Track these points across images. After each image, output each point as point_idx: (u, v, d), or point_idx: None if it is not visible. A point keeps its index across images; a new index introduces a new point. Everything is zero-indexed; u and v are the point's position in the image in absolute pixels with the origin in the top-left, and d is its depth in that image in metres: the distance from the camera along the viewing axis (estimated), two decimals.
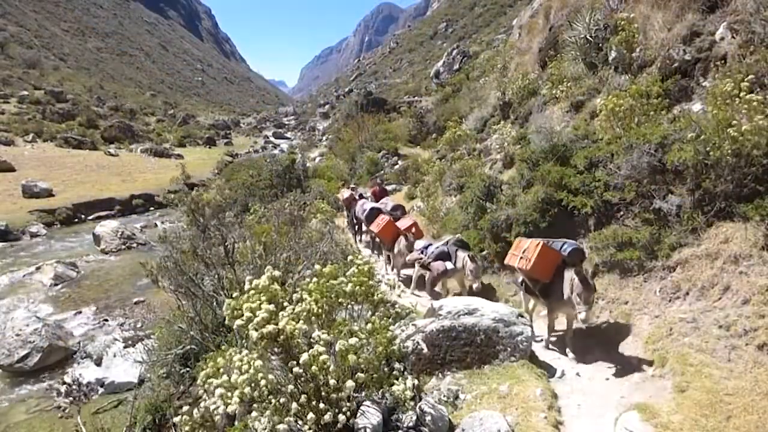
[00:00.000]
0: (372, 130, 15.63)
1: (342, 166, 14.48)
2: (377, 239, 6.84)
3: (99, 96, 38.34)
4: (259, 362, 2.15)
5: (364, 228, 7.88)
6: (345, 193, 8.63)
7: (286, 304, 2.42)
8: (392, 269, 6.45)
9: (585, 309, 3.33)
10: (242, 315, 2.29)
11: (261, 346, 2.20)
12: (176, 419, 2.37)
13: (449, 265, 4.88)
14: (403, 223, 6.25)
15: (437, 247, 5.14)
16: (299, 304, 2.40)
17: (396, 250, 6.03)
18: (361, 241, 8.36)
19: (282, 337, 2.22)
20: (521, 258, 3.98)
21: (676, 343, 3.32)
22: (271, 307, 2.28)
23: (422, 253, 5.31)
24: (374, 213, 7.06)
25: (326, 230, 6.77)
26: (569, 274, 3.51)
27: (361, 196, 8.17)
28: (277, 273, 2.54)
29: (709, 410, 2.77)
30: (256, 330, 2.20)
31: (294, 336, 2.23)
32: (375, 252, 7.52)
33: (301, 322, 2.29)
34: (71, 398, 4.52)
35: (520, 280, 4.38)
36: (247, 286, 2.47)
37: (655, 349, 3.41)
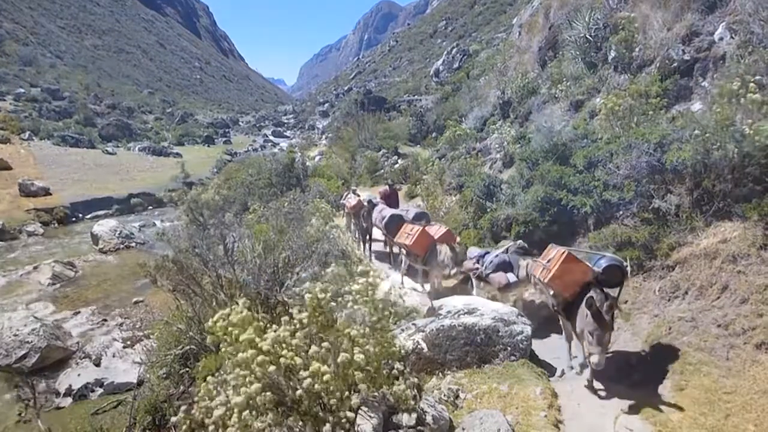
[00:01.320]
0: (372, 129, 15.62)
1: (342, 165, 14.45)
2: (405, 251, 5.79)
3: (96, 94, 38.07)
4: (257, 386, 2.08)
5: (379, 236, 7.00)
6: (352, 200, 7.55)
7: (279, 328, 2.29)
8: (401, 278, 5.74)
9: (597, 351, 2.80)
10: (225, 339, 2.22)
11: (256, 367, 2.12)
12: (173, 419, 2.34)
13: (512, 277, 4.24)
14: (433, 231, 5.43)
15: (496, 256, 4.46)
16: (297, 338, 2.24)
17: (438, 261, 5.11)
18: (371, 250, 7.26)
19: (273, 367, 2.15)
20: (544, 268, 3.51)
21: (675, 341, 3.34)
22: (264, 342, 2.17)
23: (477, 262, 4.61)
24: (395, 220, 6.19)
25: (326, 229, 6.66)
26: (584, 305, 2.94)
27: (371, 203, 7.15)
28: (246, 311, 2.37)
29: (707, 408, 2.79)
30: (260, 365, 2.11)
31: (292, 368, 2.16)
32: (389, 264, 6.74)
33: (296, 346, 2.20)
34: (25, 402, 4.46)
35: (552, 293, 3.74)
36: (220, 320, 2.31)
37: (655, 348, 3.43)
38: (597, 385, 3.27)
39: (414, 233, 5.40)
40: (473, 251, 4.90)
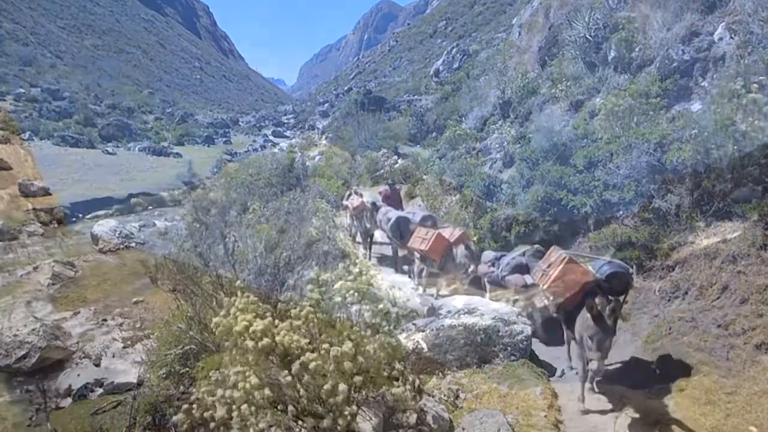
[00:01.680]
0: (372, 129, 15.63)
1: (342, 165, 14.45)
2: (420, 256, 5.46)
3: (96, 94, 38.11)
4: (255, 380, 2.09)
5: (382, 240, 6.88)
6: (355, 201, 7.24)
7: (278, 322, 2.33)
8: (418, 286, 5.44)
9: (597, 357, 2.65)
10: (233, 330, 2.25)
11: (256, 355, 2.15)
12: (173, 419, 2.35)
13: (528, 279, 4.18)
14: (448, 234, 5.11)
15: (513, 258, 4.42)
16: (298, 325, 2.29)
17: (456, 263, 4.83)
18: (371, 253, 7.00)
19: (278, 350, 2.19)
20: (543, 273, 3.39)
21: (676, 342, 3.34)
22: (264, 322, 2.22)
23: (493, 265, 4.54)
24: (401, 223, 5.97)
25: (327, 229, 6.62)
26: (584, 309, 2.82)
27: (375, 205, 6.92)
28: (253, 298, 2.44)
29: (708, 408, 2.79)
30: (253, 340, 2.15)
31: (291, 349, 2.18)
32: (393, 268, 6.49)
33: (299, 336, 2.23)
34: (36, 406, 4.46)
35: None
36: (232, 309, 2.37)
37: (655, 348, 3.43)
38: (595, 387, 3.26)
39: (429, 238, 5.06)
40: (488, 255, 4.80)
